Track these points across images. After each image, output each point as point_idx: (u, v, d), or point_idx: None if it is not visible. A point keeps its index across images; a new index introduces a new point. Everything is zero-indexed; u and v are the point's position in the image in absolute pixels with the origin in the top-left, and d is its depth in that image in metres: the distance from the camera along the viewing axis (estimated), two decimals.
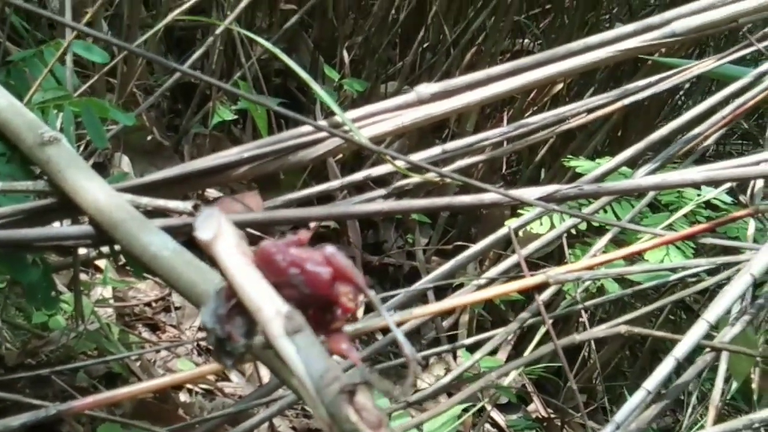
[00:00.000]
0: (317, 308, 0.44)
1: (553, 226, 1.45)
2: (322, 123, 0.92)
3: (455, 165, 1.09)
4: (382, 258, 2.01)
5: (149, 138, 1.73)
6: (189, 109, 1.84)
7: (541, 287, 0.88)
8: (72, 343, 1.16)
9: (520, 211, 1.55)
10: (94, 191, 0.78)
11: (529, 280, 0.85)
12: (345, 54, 1.97)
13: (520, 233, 1.62)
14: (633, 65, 2.13)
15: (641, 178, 0.98)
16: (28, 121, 0.88)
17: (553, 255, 2.01)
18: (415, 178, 1.00)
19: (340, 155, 1.97)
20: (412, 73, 2.15)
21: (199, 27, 2.15)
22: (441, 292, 1.88)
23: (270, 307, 0.43)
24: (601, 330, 0.90)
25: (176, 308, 1.58)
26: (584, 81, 2.24)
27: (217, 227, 0.47)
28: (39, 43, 1.66)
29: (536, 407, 1.94)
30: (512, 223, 0.95)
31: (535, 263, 1.70)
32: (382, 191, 1.00)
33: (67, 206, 0.84)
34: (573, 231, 1.54)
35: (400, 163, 0.98)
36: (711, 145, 1.16)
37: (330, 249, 0.45)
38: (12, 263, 0.92)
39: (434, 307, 0.83)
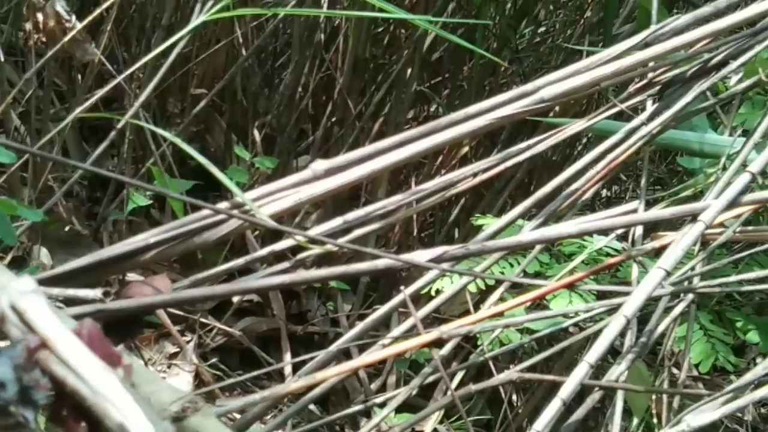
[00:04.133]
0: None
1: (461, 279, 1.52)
2: (221, 206, 0.98)
3: (367, 229, 1.16)
4: (306, 327, 2.06)
5: (67, 228, 1.77)
6: (106, 197, 1.89)
7: (438, 343, 0.94)
8: None
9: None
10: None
11: (425, 337, 0.91)
12: (256, 133, 2.04)
13: (433, 292, 1.70)
14: (532, 125, 2.24)
15: (523, 234, 1.06)
16: None
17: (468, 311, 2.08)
18: (316, 250, 1.06)
19: (257, 231, 2.03)
20: (325, 146, 2.23)
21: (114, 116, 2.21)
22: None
23: (95, 361, 0.47)
24: (496, 379, 0.96)
25: None
26: (490, 140, 2.35)
27: (29, 287, 0.50)
28: None
29: None
30: (408, 288, 1.02)
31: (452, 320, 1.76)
32: (285, 264, 1.06)
33: None
34: (482, 286, 1.62)
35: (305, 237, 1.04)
36: (588, 198, 1.25)
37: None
38: None
39: (337, 369, 0.88)
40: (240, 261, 1.10)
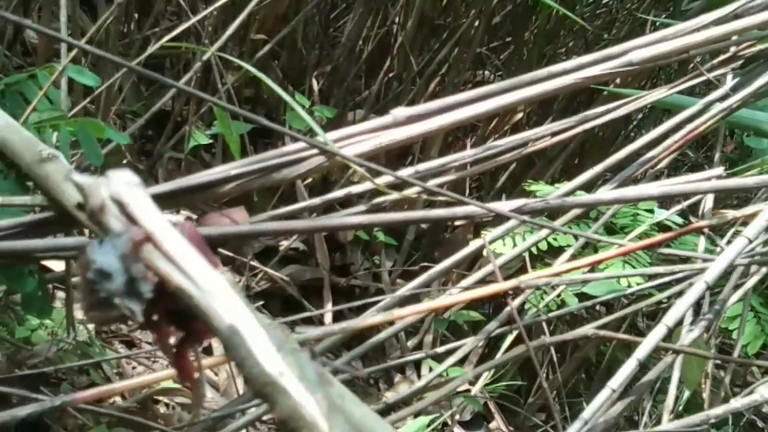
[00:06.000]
0: None
1: (515, 246, 1.52)
2: (310, 140, 0.99)
3: (442, 180, 1.16)
4: (348, 280, 2.07)
5: (125, 162, 1.78)
6: (164, 134, 1.90)
7: (514, 292, 0.95)
8: (57, 355, 1.20)
9: (483, 232, 1.62)
10: None
11: (503, 285, 0.92)
12: (314, 82, 2.03)
13: (485, 253, 1.70)
14: (589, 96, 2.22)
15: (603, 192, 1.06)
16: (26, 140, 0.93)
17: (516, 275, 2.08)
18: (393, 195, 1.06)
19: (309, 180, 2.03)
20: (378, 102, 2.23)
21: (168, 56, 2.21)
22: None
23: (202, 260, 0.44)
24: (570, 334, 0.97)
25: None
26: (543, 111, 2.34)
27: (132, 180, 0.48)
28: (16, 69, 1.70)
29: (498, 424, 2.00)
30: (487, 236, 1.02)
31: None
32: (360, 207, 1.06)
33: (64, 219, 0.88)
34: (534, 252, 1.62)
35: (380, 180, 1.05)
36: (663, 168, 1.25)
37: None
38: (10, 274, 0.96)
39: (413, 308, 0.89)
40: (316, 200, 1.11)
